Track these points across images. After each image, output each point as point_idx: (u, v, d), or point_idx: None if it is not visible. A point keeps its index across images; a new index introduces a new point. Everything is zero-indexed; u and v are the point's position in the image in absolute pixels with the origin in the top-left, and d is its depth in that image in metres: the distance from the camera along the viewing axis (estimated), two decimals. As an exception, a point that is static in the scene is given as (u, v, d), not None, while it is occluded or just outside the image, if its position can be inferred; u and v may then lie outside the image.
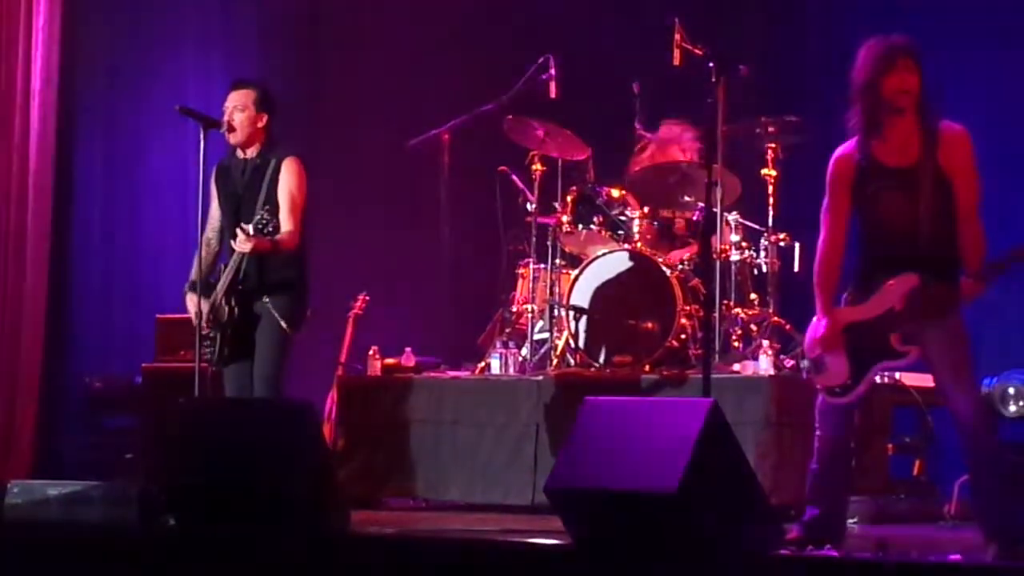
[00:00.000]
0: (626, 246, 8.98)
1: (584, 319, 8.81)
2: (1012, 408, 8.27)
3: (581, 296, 8.84)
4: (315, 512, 6.53)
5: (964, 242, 6.15)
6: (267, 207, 7.50)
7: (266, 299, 7.60)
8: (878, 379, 6.42)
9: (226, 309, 7.62)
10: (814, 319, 6.38)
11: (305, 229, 7.67)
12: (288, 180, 7.62)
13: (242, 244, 7.47)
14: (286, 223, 7.54)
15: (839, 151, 6.34)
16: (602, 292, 8.81)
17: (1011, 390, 8.30)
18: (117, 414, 10.14)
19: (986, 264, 6.09)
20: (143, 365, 9.91)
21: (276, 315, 7.57)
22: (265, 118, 7.74)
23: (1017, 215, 7.17)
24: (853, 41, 6.40)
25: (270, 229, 7.42)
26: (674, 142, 9.54)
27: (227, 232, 7.72)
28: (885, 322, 6.15)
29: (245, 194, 7.69)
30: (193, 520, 6.62)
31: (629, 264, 8.82)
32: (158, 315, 9.93)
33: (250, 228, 7.44)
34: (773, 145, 9.01)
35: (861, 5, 9.95)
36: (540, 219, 9.39)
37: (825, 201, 6.36)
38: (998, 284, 6.18)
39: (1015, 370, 8.36)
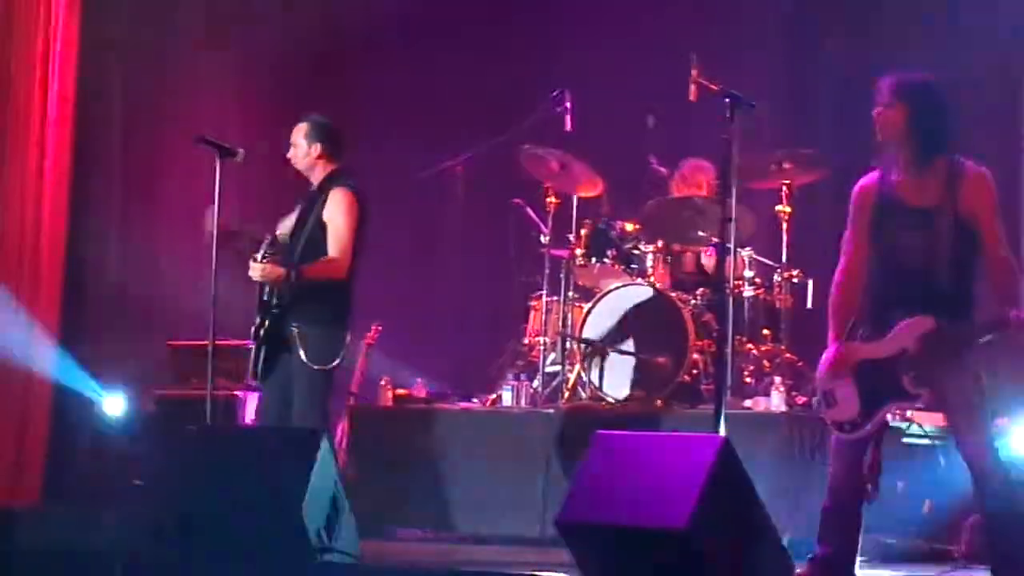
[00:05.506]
0: (639, 280, 8.98)
1: (596, 352, 8.80)
2: None
3: (593, 329, 8.84)
4: (326, 541, 6.53)
5: (996, 277, 6.09)
6: (295, 235, 7.62)
7: (295, 326, 7.62)
8: (889, 417, 6.38)
9: (257, 321, 7.68)
10: (826, 351, 6.32)
11: (352, 258, 7.66)
12: (331, 209, 7.69)
13: (252, 270, 7.55)
14: (330, 251, 7.61)
15: (862, 181, 6.34)
16: (615, 326, 8.80)
17: None
18: (128, 440, 10.12)
19: None
20: (155, 392, 9.89)
21: (302, 351, 7.58)
22: (319, 147, 7.85)
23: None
24: (872, 76, 6.40)
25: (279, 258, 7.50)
26: (695, 179, 9.50)
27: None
28: (898, 363, 6.11)
29: (299, 220, 7.80)
30: (203, 547, 6.62)
31: (642, 298, 8.81)
32: (170, 342, 9.92)
33: (259, 255, 7.51)
34: (788, 182, 9.01)
35: (878, 41, 9.96)
36: (553, 252, 9.39)
37: (847, 230, 6.34)
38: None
39: None
